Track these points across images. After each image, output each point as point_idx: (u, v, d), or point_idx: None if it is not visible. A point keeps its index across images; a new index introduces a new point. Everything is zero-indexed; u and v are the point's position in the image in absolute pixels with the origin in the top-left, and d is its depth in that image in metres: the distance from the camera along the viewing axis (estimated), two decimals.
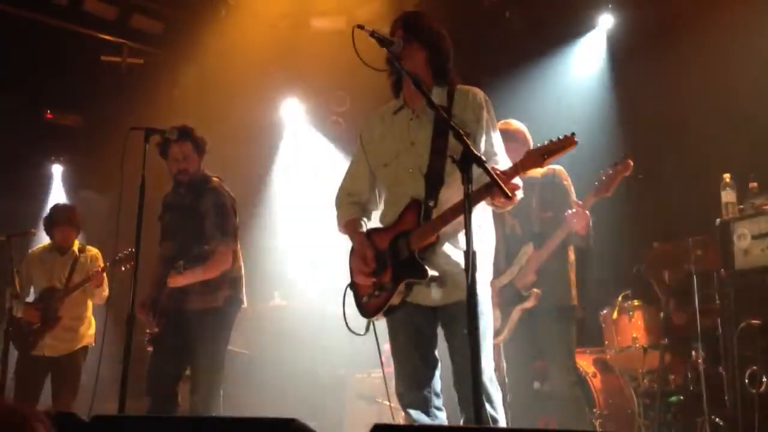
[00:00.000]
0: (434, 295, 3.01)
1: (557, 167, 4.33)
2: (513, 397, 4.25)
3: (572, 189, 4.34)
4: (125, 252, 5.13)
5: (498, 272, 4.33)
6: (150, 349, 4.38)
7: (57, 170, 8.65)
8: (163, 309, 4.33)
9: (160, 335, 4.33)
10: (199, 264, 4.22)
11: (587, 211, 4.07)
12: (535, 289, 4.15)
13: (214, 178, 4.58)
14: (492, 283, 4.28)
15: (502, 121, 4.34)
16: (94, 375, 4.25)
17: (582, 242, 4.22)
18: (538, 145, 2.86)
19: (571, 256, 4.32)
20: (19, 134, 7.87)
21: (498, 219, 4.33)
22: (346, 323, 3.16)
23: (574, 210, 4.07)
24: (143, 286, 4.13)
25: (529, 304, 4.16)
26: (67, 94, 7.92)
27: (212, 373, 4.28)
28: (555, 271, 4.21)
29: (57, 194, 8.44)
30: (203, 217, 4.38)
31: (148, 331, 4.37)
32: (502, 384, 4.35)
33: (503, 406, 4.09)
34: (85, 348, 5.78)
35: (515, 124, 4.39)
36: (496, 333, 4.28)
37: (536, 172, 4.31)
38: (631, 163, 4.01)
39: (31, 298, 5.76)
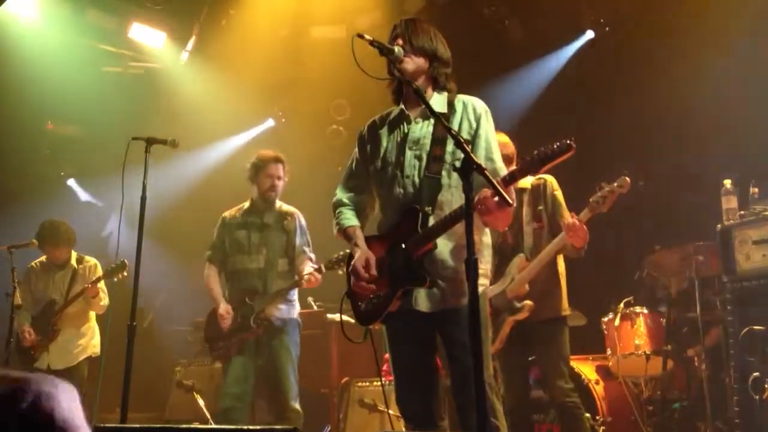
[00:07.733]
0: (431, 302, 2.99)
1: (547, 177, 4.26)
2: (510, 405, 4.23)
3: (563, 199, 4.26)
4: (117, 263, 5.18)
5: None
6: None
7: (60, 179, 8.66)
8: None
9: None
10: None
11: (584, 226, 3.99)
12: (527, 301, 4.09)
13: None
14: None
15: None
16: (96, 385, 4.24)
17: (575, 254, 4.15)
18: (535, 152, 2.79)
19: (561, 265, 4.27)
20: (22, 144, 7.89)
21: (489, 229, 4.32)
22: (343, 331, 3.15)
23: (571, 221, 3.96)
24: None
25: (521, 315, 4.11)
26: (68, 104, 7.93)
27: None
28: (544, 282, 4.17)
29: (60, 204, 8.44)
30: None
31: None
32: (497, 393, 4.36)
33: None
34: (89, 359, 5.78)
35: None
36: None
37: (525, 182, 4.27)
38: (629, 181, 3.91)
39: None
